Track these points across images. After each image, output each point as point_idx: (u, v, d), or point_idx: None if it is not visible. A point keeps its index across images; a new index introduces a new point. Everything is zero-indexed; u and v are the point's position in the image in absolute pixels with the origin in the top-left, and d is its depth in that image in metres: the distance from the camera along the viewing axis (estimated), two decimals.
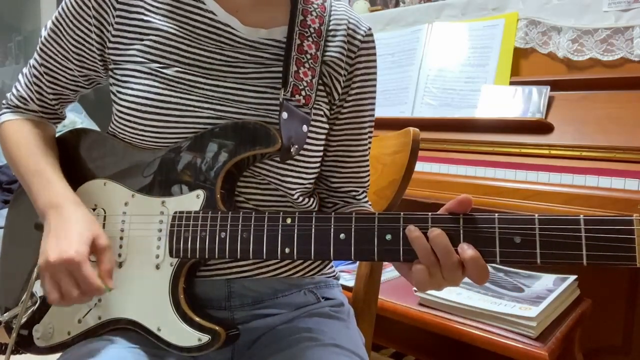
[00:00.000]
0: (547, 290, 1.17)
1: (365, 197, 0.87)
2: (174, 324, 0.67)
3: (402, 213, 0.57)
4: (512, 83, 1.51)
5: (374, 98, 0.82)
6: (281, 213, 0.63)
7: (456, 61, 1.64)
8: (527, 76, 1.57)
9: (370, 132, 0.84)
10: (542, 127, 1.34)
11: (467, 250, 0.55)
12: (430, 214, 0.57)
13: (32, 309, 0.75)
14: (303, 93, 0.72)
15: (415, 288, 0.62)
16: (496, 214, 0.54)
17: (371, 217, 0.59)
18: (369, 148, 0.85)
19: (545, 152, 1.30)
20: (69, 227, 0.66)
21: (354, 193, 0.85)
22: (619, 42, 1.44)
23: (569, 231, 0.51)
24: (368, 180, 0.87)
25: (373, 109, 0.83)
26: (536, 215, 0.53)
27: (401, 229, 0.57)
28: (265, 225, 0.63)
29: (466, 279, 0.57)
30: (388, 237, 0.58)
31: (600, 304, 1.31)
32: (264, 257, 0.63)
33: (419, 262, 0.57)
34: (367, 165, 0.86)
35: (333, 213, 0.61)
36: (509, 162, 1.33)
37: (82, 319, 0.72)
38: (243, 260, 0.72)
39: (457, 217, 0.56)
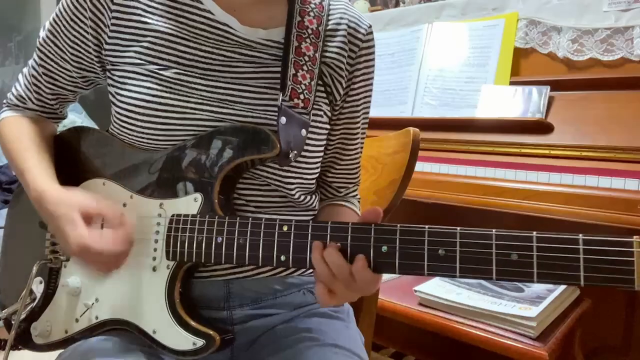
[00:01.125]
0: (547, 290, 1.17)
1: (356, 191, 0.89)
2: (170, 328, 0.66)
3: (399, 225, 0.57)
4: (512, 83, 1.51)
5: (370, 91, 0.83)
6: (277, 220, 0.63)
7: (456, 61, 1.64)
8: (527, 76, 1.56)
9: (364, 127, 0.85)
10: (542, 127, 1.34)
11: (357, 262, 0.57)
12: (427, 227, 0.56)
13: (31, 306, 0.75)
14: (302, 96, 0.72)
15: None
16: (493, 230, 0.53)
17: (368, 228, 0.58)
18: (363, 143, 0.87)
19: (545, 152, 1.29)
20: (56, 220, 0.66)
21: (343, 189, 0.87)
22: (619, 42, 1.43)
23: (567, 252, 0.50)
24: (359, 175, 0.89)
25: (368, 105, 0.84)
26: (534, 233, 0.51)
27: (398, 240, 0.56)
28: (262, 233, 0.63)
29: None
30: (384, 249, 0.57)
31: (600, 304, 1.31)
32: (260, 264, 0.63)
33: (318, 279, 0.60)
34: (359, 160, 0.87)
35: (329, 222, 0.60)
36: (509, 162, 1.33)
37: (79, 318, 0.72)
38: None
39: (455, 231, 0.55)
